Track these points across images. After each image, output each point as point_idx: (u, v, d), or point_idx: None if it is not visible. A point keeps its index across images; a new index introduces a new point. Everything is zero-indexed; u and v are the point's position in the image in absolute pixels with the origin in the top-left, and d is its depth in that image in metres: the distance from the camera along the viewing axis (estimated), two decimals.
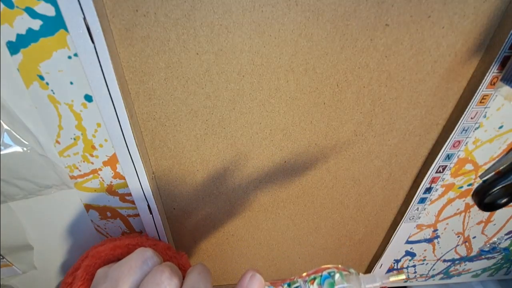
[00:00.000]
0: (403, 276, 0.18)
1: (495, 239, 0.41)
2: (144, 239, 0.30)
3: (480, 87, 0.25)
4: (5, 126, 0.24)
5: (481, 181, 0.34)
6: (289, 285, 0.19)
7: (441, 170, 0.31)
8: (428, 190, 0.33)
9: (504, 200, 0.33)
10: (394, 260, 0.42)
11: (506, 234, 0.41)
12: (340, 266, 0.19)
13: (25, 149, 0.25)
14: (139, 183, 0.29)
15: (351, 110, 0.28)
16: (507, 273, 0.48)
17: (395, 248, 0.39)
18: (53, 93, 0.24)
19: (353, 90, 0.26)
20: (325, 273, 0.19)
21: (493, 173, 0.33)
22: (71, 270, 0.26)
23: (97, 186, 0.30)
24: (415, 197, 0.33)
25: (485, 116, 0.28)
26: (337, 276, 0.18)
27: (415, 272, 0.45)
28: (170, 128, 0.27)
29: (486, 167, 0.33)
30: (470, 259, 0.44)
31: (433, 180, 0.32)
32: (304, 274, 0.19)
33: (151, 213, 0.31)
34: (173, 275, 0.19)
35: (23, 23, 0.21)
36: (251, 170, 0.31)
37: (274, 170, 0.31)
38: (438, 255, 0.42)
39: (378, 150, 0.31)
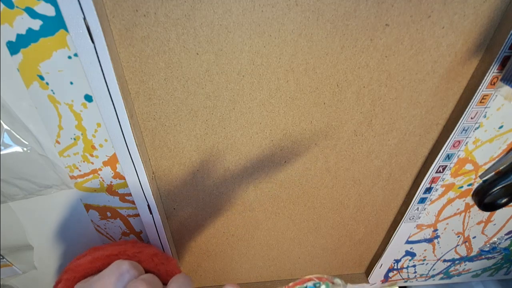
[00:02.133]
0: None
1: (495, 239, 0.41)
2: (129, 246, 0.29)
3: (480, 87, 0.25)
4: (5, 126, 0.24)
5: (481, 181, 0.34)
6: None
7: (441, 170, 0.31)
8: (428, 190, 0.33)
9: (504, 200, 0.33)
10: (394, 260, 0.42)
11: (506, 234, 0.41)
12: (325, 276, 0.18)
13: (25, 149, 0.25)
14: (139, 183, 0.29)
15: (351, 110, 0.28)
16: (507, 273, 0.48)
17: (395, 248, 0.39)
18: (53, 93, 0.24)
19: (353, 90, 0.26)
20: (310, 284, 0.18)
21: (493, 173, 0.33)
22: (55, 283, 0.26)
23: (97, 186, 0.30)
24: (415, 197, 0.33)
25: (485, 116, 0.28)
26: (322, 287, 0.18)
27: (415, 272, 0.45)
28: (170, 128, 0.27)
29: (486, 167, 0.33)
30: (470, 259, 0.44)
31: (433, 180, 0.32)
32: (291, 284, 0.19)
33: (151, 213, 0.31)
34: None
35: (23, 23, 0.21)
36: (251, 170, 0.31)
37: (274, 170, 0.31)
38: (438, 255, 0.42)
39: (378, 150, 0.31)
